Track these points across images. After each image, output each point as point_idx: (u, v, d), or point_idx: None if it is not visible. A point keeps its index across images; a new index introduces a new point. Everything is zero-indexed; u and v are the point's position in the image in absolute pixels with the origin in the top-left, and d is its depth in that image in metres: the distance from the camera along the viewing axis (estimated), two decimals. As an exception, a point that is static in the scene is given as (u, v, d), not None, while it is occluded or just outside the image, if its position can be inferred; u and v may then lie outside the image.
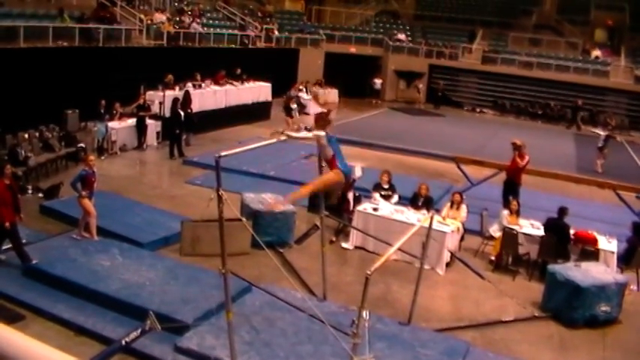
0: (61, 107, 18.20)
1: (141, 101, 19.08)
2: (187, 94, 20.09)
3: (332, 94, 32.36)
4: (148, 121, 19.26)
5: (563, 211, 12.04)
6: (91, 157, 11.87)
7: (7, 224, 9.66)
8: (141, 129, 18.96)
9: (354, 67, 34.87)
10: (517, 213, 12.75)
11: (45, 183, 14.40)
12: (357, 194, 13.52)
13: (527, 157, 14.55)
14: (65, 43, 19.34)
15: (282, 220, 12.21)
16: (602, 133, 23.00)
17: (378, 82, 35.61)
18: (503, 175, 15.15)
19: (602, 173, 20.73)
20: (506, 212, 12.77)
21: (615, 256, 11.87)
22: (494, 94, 35.82)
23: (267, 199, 12.56)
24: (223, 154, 6.82)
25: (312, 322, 8.65)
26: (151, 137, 19.60)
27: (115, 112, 18.37)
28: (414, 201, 13.16)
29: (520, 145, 14.62)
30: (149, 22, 23.71)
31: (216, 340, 7.97)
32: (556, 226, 11.90)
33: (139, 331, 7.94)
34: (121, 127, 18.41)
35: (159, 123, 19.83)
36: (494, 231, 12.73)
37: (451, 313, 10.27)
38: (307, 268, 11.08)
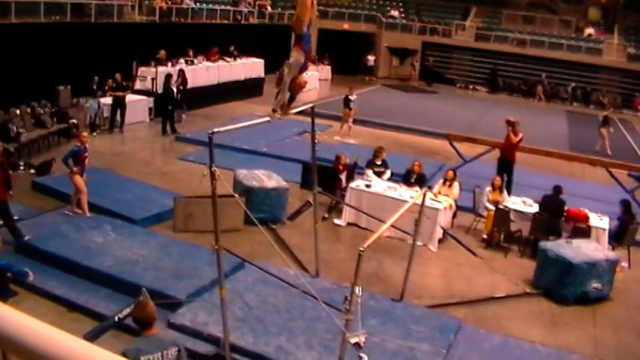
0: (53, 83, 18.06)
1: (115, 81, 18.17)
2: (183, 74, 19.95)
3: (325, 71, 32.25)
4: (139, 98, 19.12)
5: (557, 188, 12.10)
6: (84, 134, 11.81)
7: (-2, 201, 9.63)
8: (115, 110, 17.90)
9: (347, 43, 34.69)
10: (500, 189, 12.79)
11: (37, 159, 14.32)
12: (352, 167, 13.58)
13: (520, 135, 14.50)
14: (57, 17, 19.12)
15: (275, 196, 12.20)
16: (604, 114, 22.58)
17: (370, 58, 35.48)
18: (496, 153, 15.14)
19: (611, 155, 20.05)
20: (488, 188, 12.80)
21: (607, 233, 11.92)
22: (487, 71, 35.70)
23: (260, 176, 12.56)
24: (216, 130, 6.80)
25: (304, 298, 8.67)
26: (143, 114, 19.45)
27: (107, 88, 18.18)
28: (407, 178, 13.17)
29: (514, 122, 14.58)
30: (141, -3, 23.48)
31: (209, 317, 7.99)
32: (553, 203, 11.96)
33: (132, 307, 7.95)
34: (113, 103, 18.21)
35: (151, 99, 19.69)
36: (485, 208, 12.76)
37: (443, 290, 10.33)
38: (300, 244, 11.10)
